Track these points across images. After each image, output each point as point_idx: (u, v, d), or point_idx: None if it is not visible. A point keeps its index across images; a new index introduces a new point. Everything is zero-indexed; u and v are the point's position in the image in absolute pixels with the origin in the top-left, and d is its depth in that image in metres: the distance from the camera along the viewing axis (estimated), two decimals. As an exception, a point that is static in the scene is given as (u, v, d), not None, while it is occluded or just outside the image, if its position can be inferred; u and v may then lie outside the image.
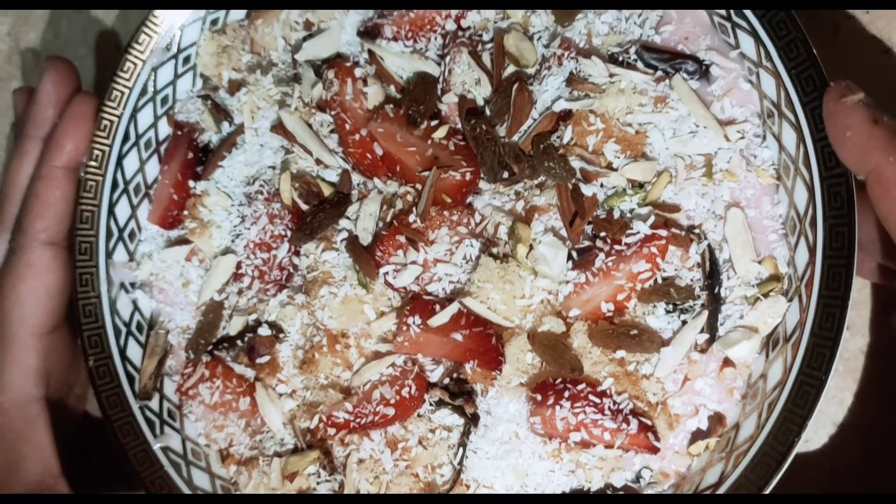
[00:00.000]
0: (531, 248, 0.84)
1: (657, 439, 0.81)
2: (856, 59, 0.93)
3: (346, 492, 0.87)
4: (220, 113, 0.96)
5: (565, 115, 0.86)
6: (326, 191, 0.91)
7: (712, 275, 0.82)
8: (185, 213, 0.96)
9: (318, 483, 0.89)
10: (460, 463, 0.86)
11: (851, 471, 0.88)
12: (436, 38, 0.91)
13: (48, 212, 0.91)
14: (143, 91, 0.95)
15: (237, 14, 0.97)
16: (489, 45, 0.89)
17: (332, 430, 0.87)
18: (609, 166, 0.85)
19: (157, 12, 0.93)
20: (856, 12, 0.93)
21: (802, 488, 0.87)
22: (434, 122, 0.89)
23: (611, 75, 0.84)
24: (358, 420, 0.86)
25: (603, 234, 0.83)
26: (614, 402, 0.81)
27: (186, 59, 0.97)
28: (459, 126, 0.88)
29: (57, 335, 0.93)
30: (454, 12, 0.90)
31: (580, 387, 0.82)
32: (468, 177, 0.86)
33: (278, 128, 0.92)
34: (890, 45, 0.92)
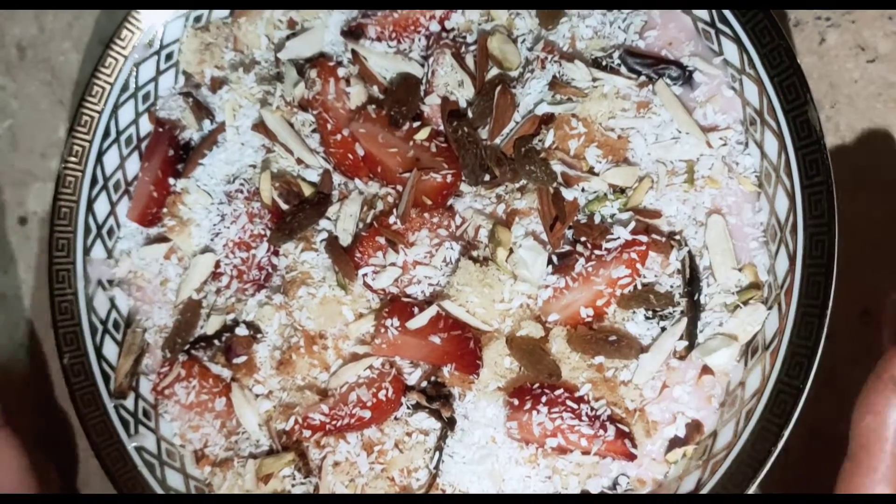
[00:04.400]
0: (511, 251, 0.84)
1: (634, 446, 0.80)
2: (842, 69, 0.93)
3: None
4: (202, 110, 0.95)
5: (548, 119, 0.85)
6: (307, 191, 0.90)
7: (692, 282, 0.82)
8: (165, 210, 0.95)
9: (292, 485, 0.88)
10: (436, 467, 0.85)
11: (830, 481, 0.88)
12: (420, 39, 0.91)
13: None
14: (125, 87, 0.95)
15: (220, 11, 0.97)
16: (473, 47, 0.88)
17: (307, 432, 0.86)
18: (590, 171, 0.84)
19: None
20: (842, 20, 0.92)
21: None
22: (416, 124, 0.88)
23: (594, 79, 0.84)
24: (334, 422, 0.85)
25: (583, 238, 0.83)
26: (592, 408, 0.81)
27: (169, 56, 0.97)
28: (442, 128, 0.88)
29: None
30: (438, 13, 0.90)
31: (558, 392, 0.81)
32: (449, 179, 0.86)
33: (260, 126, 0.91)
34: (876, 54, 0.92)
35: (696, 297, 0.81)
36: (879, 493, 0.67)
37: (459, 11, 0.90)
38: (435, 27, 0.90)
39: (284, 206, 0.90)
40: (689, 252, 0.82)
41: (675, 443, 0.82)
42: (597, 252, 0.82)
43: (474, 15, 0.90)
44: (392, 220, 0.86)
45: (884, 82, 0.91)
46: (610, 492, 0.83)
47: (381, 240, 0.86)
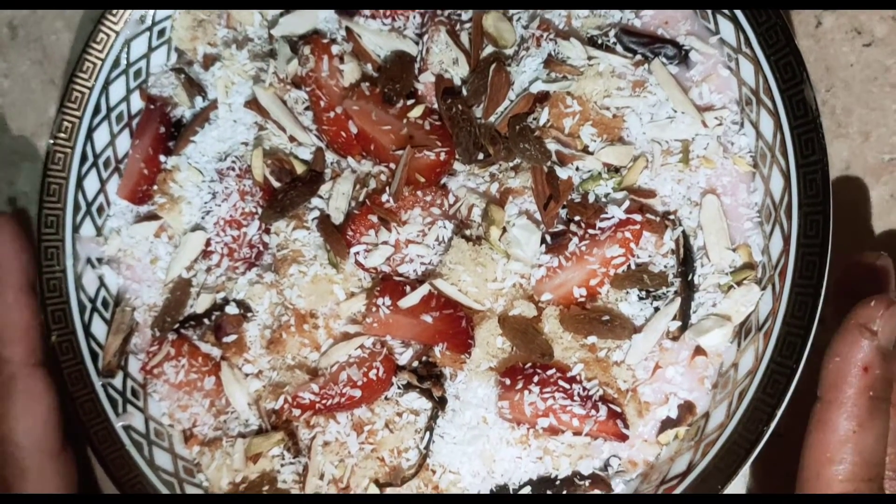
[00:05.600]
0: (504, 230, 0.83)
1: (626, 427, 0.80)
2: (838, 53, 0.93)
3: (309, 474, 0.85)
4: (194, 87, 0.94)
5: (542, 97, 0.85)
6: (299, 168, 0.90)
7: (686, 262, 0.81)
8: (156, 188, 0.94)
9: (282, 465, 0.87)
10: (427, 447, 0.84)
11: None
12: (414, 17, 0.90)
13: (27, 335, 0.90)
14: (116, 63, 0.94)
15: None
16: (468, 25, 0.88)
17: (297, 412, 0.85)
18: (585, 150, 0.84)
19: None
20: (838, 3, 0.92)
21: (775, 478, 0.86)
22: (410, 101, 0.88)
23: (589, 58, 0.84)
24: (324, 402, 0.84)
25: (577, 218, 0.82)
26: (584, 389, 0.80)
27: (161, 32, 0.96)
28: (436, 106, 0.87)
29: (67, 453, 0.92)
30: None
31: (550, 372, 0.80)
32: (443, 157, 0.85)
33: (252, 103, 0.91)
34: (872, 38, 0.92)
35: (689, 278, 0.81)
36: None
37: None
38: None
39: (276, 184, 0.90)
40: (684, 232, 0.81)
41: (667, 424, 0.82)
42: (591, 231, 0.81)
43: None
44: (385, 198, 0.85)
45: (880, 66, 0.91)
46: (601, 473, 0.82)
47: (374, 218, 0.85)
